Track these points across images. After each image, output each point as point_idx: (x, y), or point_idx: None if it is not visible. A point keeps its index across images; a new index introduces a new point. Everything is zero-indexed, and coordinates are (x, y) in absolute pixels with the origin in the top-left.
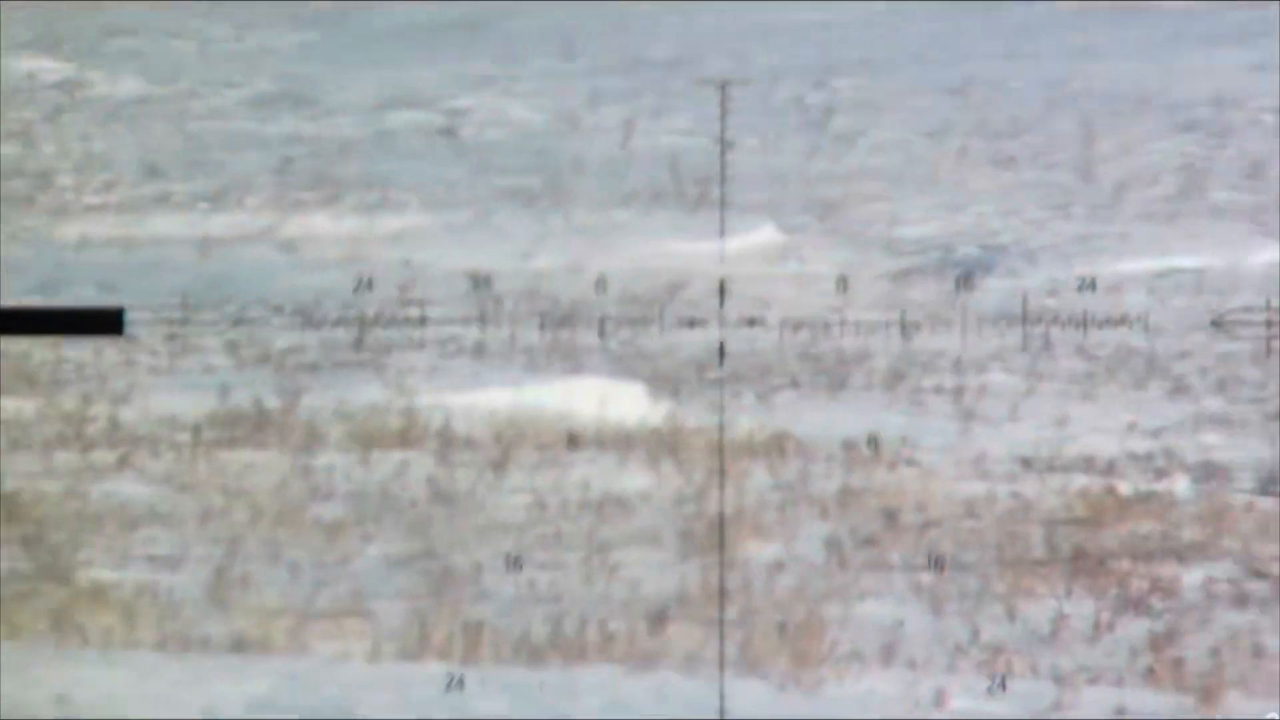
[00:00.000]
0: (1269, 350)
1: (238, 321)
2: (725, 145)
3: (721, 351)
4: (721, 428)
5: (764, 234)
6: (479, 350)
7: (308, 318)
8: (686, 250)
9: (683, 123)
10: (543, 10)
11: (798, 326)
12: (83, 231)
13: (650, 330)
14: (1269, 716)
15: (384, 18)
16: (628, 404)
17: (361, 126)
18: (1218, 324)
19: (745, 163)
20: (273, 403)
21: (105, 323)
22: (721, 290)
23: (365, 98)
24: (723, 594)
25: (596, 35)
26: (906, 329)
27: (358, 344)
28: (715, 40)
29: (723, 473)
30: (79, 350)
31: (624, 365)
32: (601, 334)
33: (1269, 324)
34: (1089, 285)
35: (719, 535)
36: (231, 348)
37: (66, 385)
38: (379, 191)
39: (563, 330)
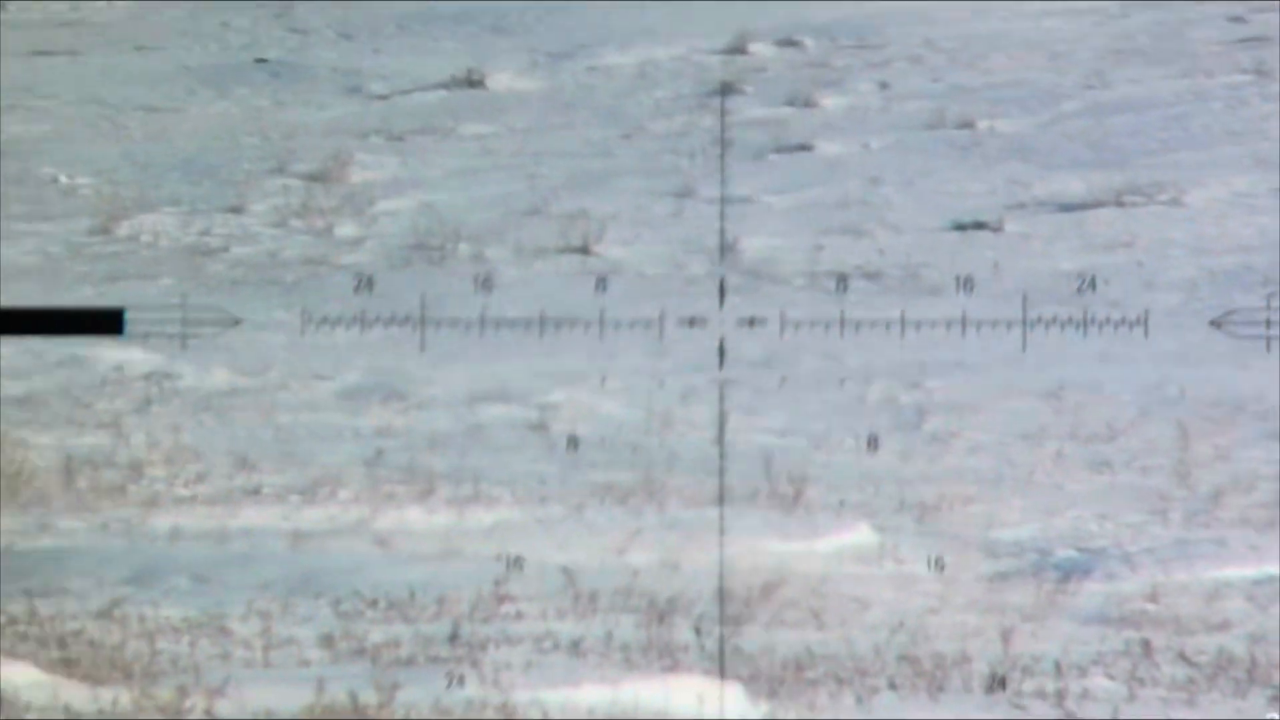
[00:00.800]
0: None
1: (332, 615)
2: (725, 145)
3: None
4: None
5: (859, 534)
6: (575, 646)
7: (402, 612)
8: (780, 549)
9: (775, 421)
10: (636, 306)
11: (894, 629)
12: (174, 523)
13: (748, 629)
14: (1269, 716)
15: (475, 314)
16: (728, 703)
17: (453, 420)
18: (1214, 322)
19: (839, 462)
20: (369, 697)
21: (105, 323)
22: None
23: (457, 392)
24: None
25: (682, 340)
26: (1005, 632)
27: (452, 638)
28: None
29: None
30: (174, 643)
31: (722, 664)
32: (698, 632)
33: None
34: (1187, 590)
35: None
36: (326, 641)
37: (161, 677)
38: (471, 485)
39: (659, 627)
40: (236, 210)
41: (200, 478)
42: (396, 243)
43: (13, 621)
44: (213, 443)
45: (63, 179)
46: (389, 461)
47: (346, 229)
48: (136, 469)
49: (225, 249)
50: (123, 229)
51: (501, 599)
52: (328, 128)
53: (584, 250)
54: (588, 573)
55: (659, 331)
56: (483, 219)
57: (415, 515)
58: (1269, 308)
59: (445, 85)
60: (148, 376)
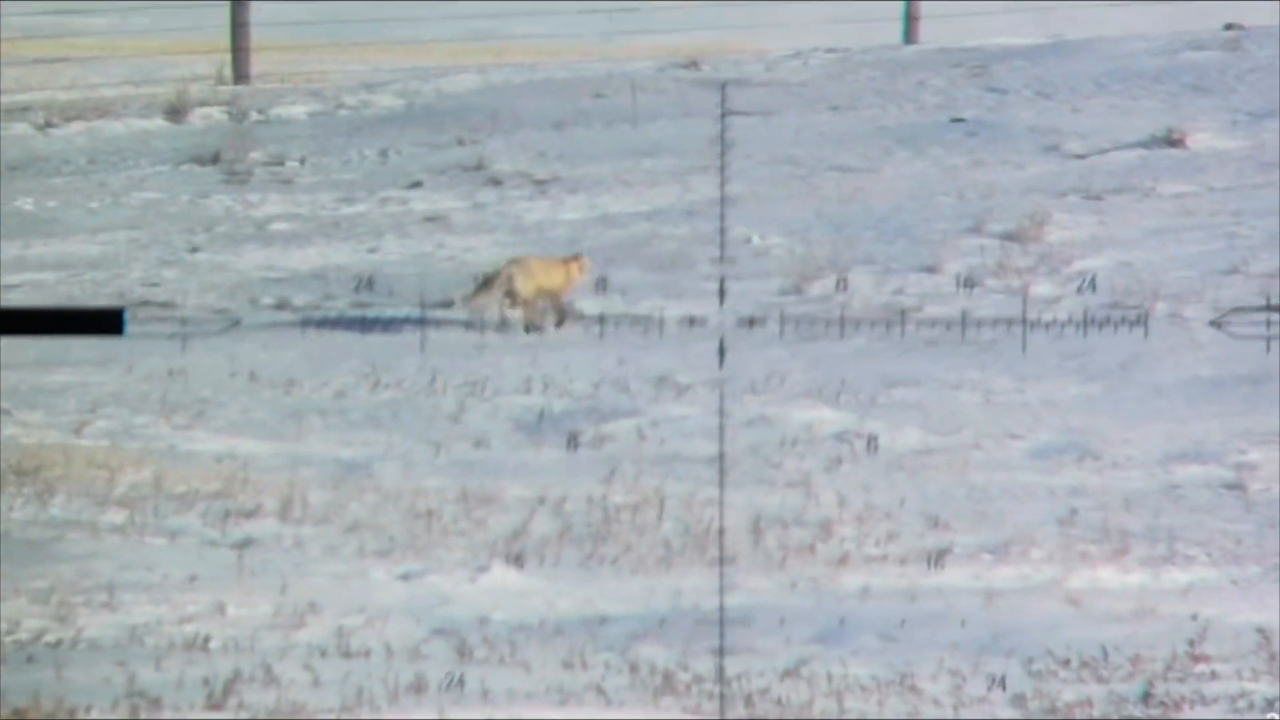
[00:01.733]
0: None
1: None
2: (725, 145)
3: None
4: None
5: None
6: (1269, 705)
7: (1095, 671)
8: None
9: None
10: None
11: None
12: (865, 582)
13: None
14: (1269, 716)
15: (1169, 371)
16: None
17: (1147, 480)
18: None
19: None
20: None
21: (105, 323)
22: None
23: (1151, 450)
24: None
25: None
26: None
27: (1145, 697)
28: None
29: None
30: (862, 701)
31: None
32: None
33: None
34: None
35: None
36: (1018, 700)
37: None
38: (1166, 545)
39: None
40: (931, 270)
41: (891, 537)
42: (1094, 301)
43: (698, 680)
44: (904, 502)
45: (755, 239)
46: (1083, 521)
47: (1043, 288)
48: (825, 528)
49: (919, 308)
50: (815, 289)
51: (1195, 659)
52: (1025, 186)
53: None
54: None
55: None
56: (1180, 278)
57: (1108, 575)
58: (1269, 307)
59: (1144, 144)
60: (838, 436)
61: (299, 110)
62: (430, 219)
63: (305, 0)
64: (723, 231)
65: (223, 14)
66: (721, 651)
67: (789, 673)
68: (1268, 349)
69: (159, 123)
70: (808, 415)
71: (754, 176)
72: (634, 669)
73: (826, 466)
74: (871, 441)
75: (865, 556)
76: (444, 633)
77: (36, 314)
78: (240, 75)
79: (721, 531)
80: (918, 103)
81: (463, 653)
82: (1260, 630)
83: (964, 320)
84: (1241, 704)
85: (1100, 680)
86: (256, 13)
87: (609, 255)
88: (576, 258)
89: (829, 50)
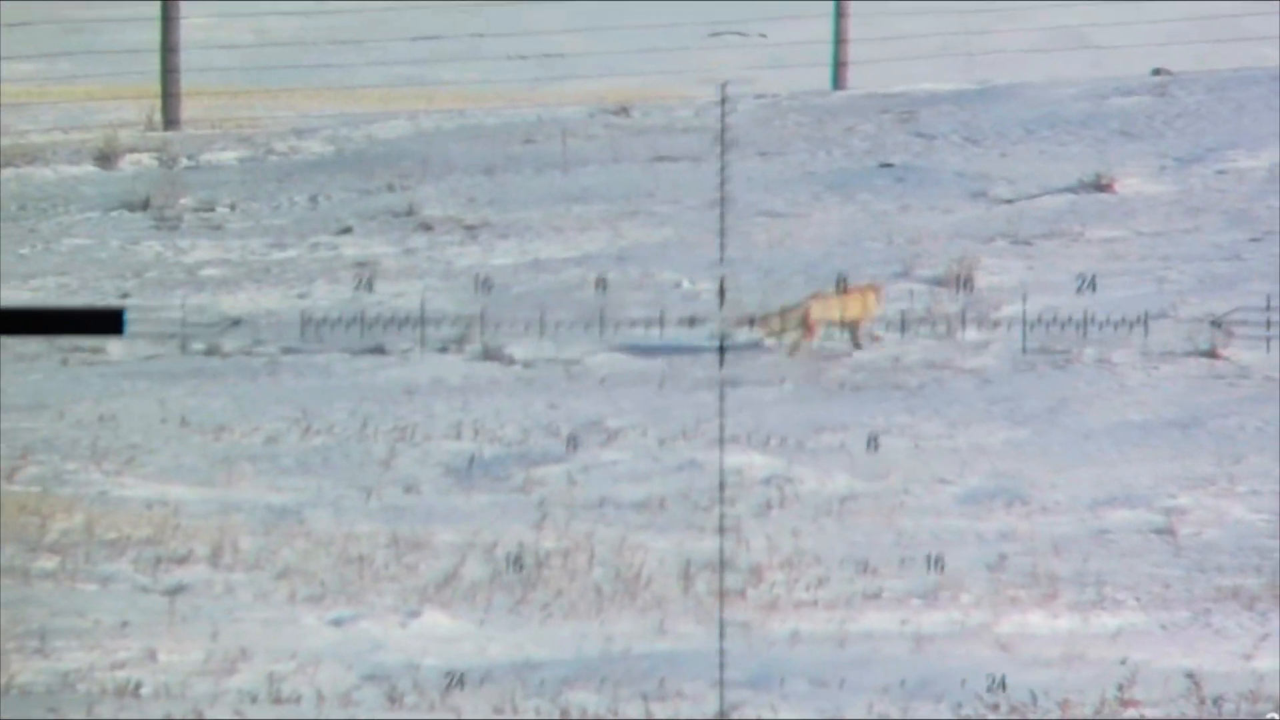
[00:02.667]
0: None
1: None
2: (725, 145)
3: None
4: None
5: None
6: None
7: (1023, 715)
8: None
9: None
10: (1261, 409)
11: None
12: (795, 627)
13: None
14: (1269, 716)
15: (1098, 415)
16: None
17: (1076, 525)
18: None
19: None
20: None
21: (105, 323)
22: None
23: (1080, 495)
24: None
25: None
26: None
27: None
28: None
29: None
30: None
31: None
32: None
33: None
34: None
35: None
36: None
37: None
38: (1095, 589)
39: None
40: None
41: (820, 582)
42: (1019, 346)
43: None
44: (832, 548)
45: (684, 283)
46: (1012, 566)
47: (970, 333)
48: (756, 573)
49: (847, 353)
50: (741, 335)
51: (1125, 703)
52: (953, 231)
53: (1211, 354)
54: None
55: None
56: (1108, 322)
57: (1037, 620)
58: (1269, 307)
59: (1072, 189)
60: (767, 481)
61: (229, 156)
62: (360, 264)
63: (235, 47)
64: (723, 232)
65: (152, 60)
66: (722, 655)
67: (719, 718)
68: (1268, 349)
69: (89, 169)
70: (737, 460)
71: (683, 221)
72: (564, 715)
73: (756, 511)
74: (799, 487)
75: (795, 601)
76: (375, 679)
77: (36, 314)
78: (170, 121)
79: (722, 550)
80: (846, 148)
81: (393, 699)
82: (1189, 675)
83: (895, 365)
84: None
85: None
86: (187, 58)
87: (540, 300)
88: (873, 286)
89: (758, 96)
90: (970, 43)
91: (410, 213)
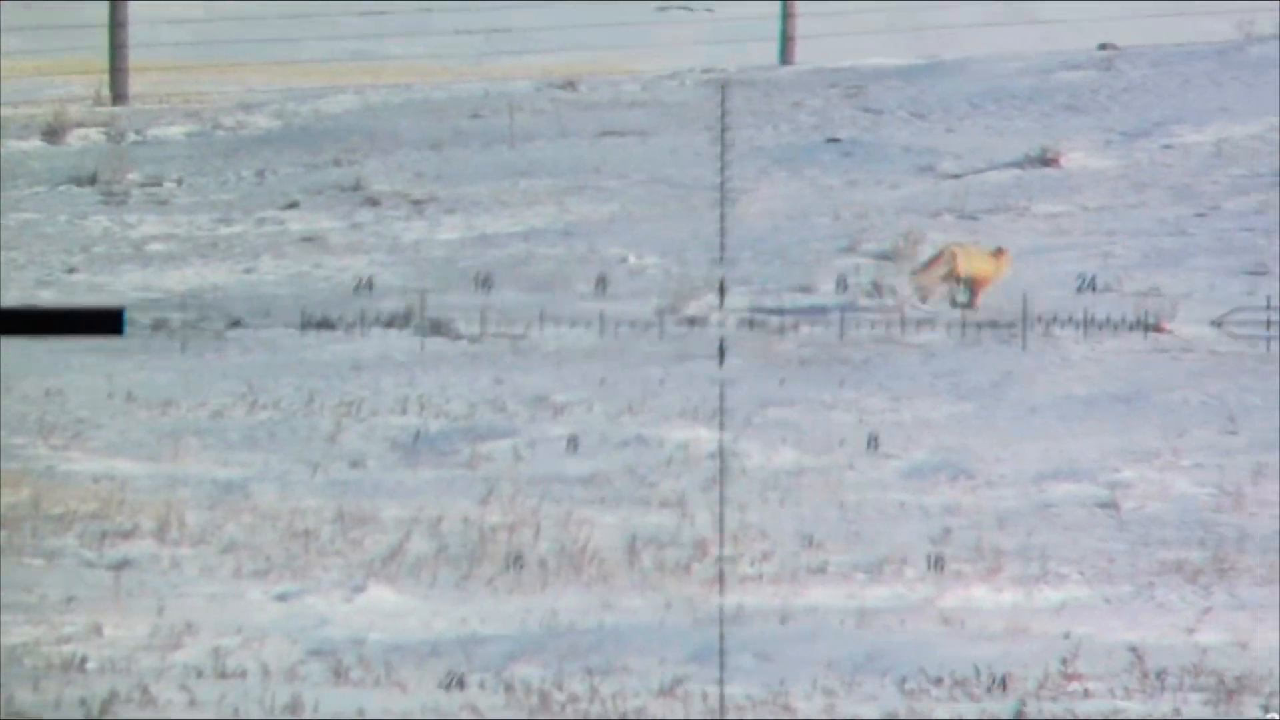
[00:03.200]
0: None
1: (897, 693)
2: (725, 145)
3: None
4: None
5: None
6: None
7: (967, 690)
8: None
9: None
10: (1205, 383)
11: None
12: (740, 601)
13: None
14: (1269, 716)
15: (1043, 389)
16: None
17: (1020, 499)
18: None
19: None
20: None
21: (105, 322)
22: None
23: (1025, 469)
24: None
25: (1259, 409)
26: None
27: (1017, 716)
28: None
29: None
30: None
31: None
32: (1266, 712)
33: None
34: None
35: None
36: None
37: None
38: (1039, 564)
39: (1227, 706)
40: (807, 289)
41: (765, 556)
42: (961, 320)
43: (573, 699)
44: (778, 522)
45: (631, 259)
46: (956, 540)
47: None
48: (701, 547)
49: (795, 328)
50: (690, 309)
51: (1068, 677)
52: (900, 206)
53: (1156, 329)
54: (1156, 651)
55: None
56: (1054, 297)
57: (981, 593)
58: (1269, 307)
59: (1018, 164)
60: (714, 455)
61: (176, 131)
62: (307, 239)
63: (183, 22)
64: (722, 217)
65: (101, 35)
66: (722, 648)
67: (664, 692)
68: (1268, 349)
69: (36, 144)
70: (683, 435)
71: (630, 196)
72: (509, 689)
73: (702, 486)
74: (747, 460)
75: (740, 576)
76: (320, 653)
77: (36, 314)
78: (118, 96)
79: (722, 530)
80: (794, 123)
81: (339, 673)
82: (1133, 649)
83: (841, 340)
84: None
85: (973, 699)
86: (135, 33)
87: (486, 275)
88: (1002, 250)
89: (705, 71)
90: (918, 17)
91: (357, 187)
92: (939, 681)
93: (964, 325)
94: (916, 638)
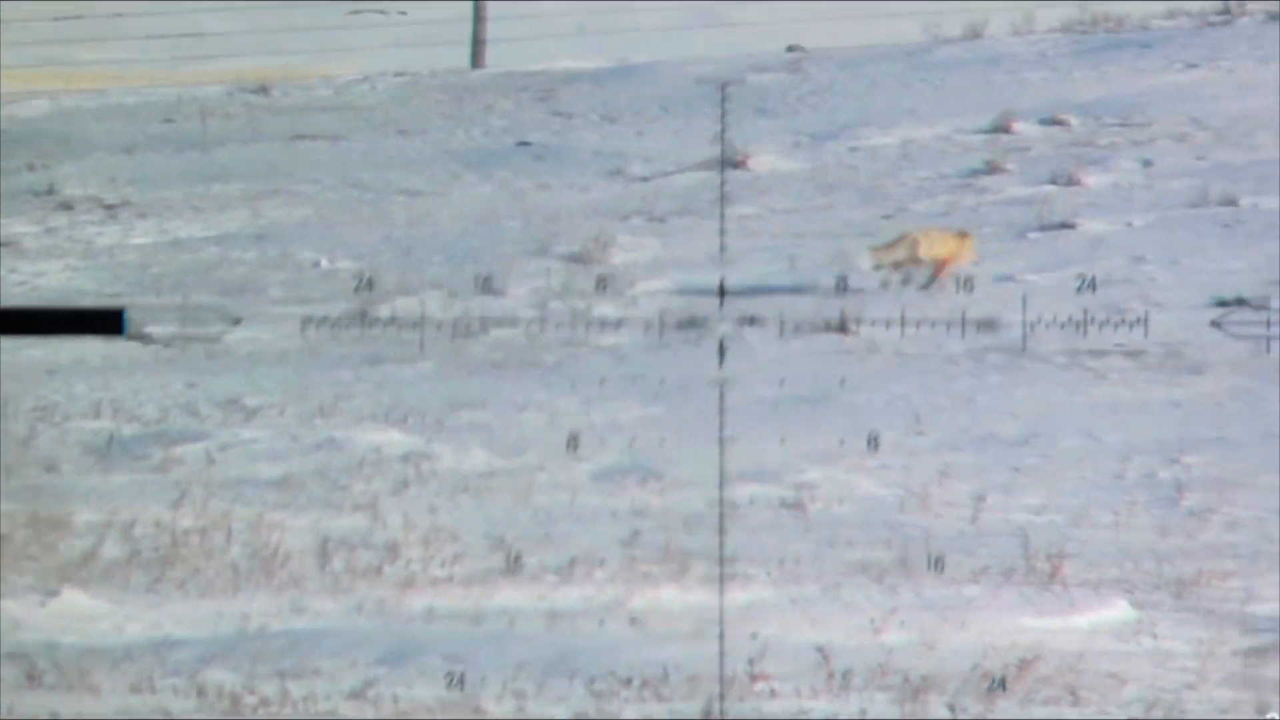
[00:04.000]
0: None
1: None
2: (727, 156)
3: None
4: None
5: (1116, 610)
6: None
7: (655, 690)
8: (1037, 626)
9: (1033, 498)
10: (891, 384)
11: (1151, 705)
12: (430, 603)
13: (1004, 705)
14: (1270, 716)
15: (732, 394)
16: None
17: (708, 501)
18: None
19: (1097, 539)
20: None
21: (105, 323)
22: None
23: (712, 471)
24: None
25: (946, 410)
26: (1261, 707)
27: (706, 713)
28: (1065, 414)
29: None
30: None
31: None
32: (953, 711)
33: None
34: None
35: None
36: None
37: None
38: (727, 564)
39: (913, 705)
40: (497, 293)
41: (456, 558)
42: (655, 322)
43: (265, 703)
44: (469, 524)
45: (324, 262)
46: (645, 541)
47: (606, 309)
48: (393, 550)
49: (484, 331)
50: (382, 311)
51: (755, 677)
52: (589, 209)
53: (842, 329)
54: (842, 650)
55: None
56: (743, 299)
57: (670, 594)
58: (1269, 307)
59: (706, 166)
60: (404, 458)
61: None
62: (1, 244)
63: None
64: (721, 215)
65: None
66: (721, 643)
67: (355, 694)
68: (1268, 348)
69: None
70: (375, 438)
71: (322, 200)
72: (201, 692)
73: (394, 489)
74: (437, 464)
75: (431, 578)
76: (14, 657)
77: (36, 314)
78: None
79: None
80: (485, 126)
81: (32, 677)
82: (819, 649)
83: (532, 343)
84: None
85: (661, 699)
86: None
87: (178, 280)
88: (966, 233)
89: (397, 74)
90: (608, 21)
91: (50, 192)
92: (628, 682)
93: (661, 326)
94: (606, 639)
